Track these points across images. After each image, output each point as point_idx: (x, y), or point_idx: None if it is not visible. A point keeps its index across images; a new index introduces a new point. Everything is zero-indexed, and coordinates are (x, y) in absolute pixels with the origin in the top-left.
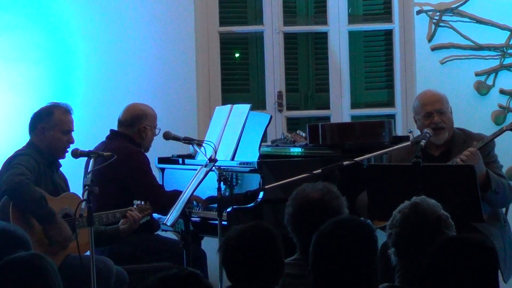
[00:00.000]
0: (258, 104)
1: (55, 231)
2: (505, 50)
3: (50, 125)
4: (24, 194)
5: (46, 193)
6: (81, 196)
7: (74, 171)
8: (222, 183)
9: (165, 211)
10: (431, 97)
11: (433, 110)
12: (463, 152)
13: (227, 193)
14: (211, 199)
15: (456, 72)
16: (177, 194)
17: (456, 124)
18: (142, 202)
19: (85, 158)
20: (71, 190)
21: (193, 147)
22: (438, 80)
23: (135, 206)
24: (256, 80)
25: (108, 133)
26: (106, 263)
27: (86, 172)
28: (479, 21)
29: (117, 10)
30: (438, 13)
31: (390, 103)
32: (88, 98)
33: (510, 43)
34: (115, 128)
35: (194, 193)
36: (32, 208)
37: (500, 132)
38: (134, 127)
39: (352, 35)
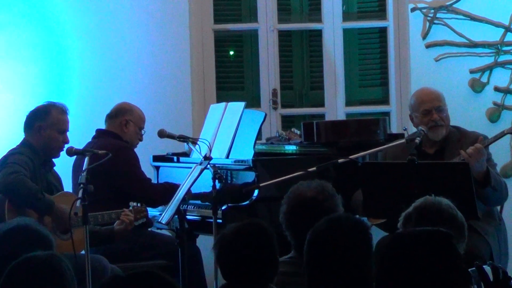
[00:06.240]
0: (253, 102)
1: (56, 218)
2: (499, 47)
3: (47, 124)
4: (20, 190)
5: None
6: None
7: (65, 170)
8: (217, 181)
9: (155, 205)
10: (430, 95)
11: (432, 107)
12: (469, 147)
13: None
14: (202, 196)
15: (451, 70)
16: (167, 186)
17: (451, 122)
18: (138, 204)
19: (73, 159)
20: (64, 189)
21: (188, 145)
22: (433, 77)
23: (131, 208)
24: (250, 78)
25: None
26: (100, 261)
27: (75, 171)
28: (474, 18)
29: (111, 8)
30: (432, 11)
31: (385, 100)
32: (82, 96)
33: (505, 40)
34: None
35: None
36: (31, 202)
37: (502, 135)
38: (117, 119)
39: (346, 32)
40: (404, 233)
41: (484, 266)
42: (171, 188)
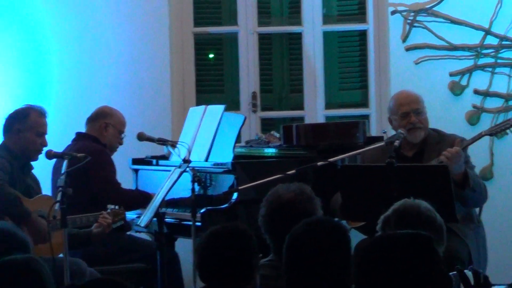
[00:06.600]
0: (233, 104)
1: (32, 229)
2: (479, 50)
3: (26, 127)
4: None
5: (20, 194)
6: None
7: (45, 173)
8: (196, 184)
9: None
10: (408, 97)
11: (410, 110)
12: (447, 149)
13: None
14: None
15: (431, 72)
16: (138, 193)
17: (430, 124)
18: (116, 207)
19: (52, 162)
20: (43, 193)
21: (167, 148)
22: (413, 80)
23: (109, 211)
24: (230, 81)
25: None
26: (79, 265)
27: (55, 174)
28: (453, 21)
29: (91, 11)
30: (412, 14)
31: (364, 103)
32: (61, 99)
33: (484, 43)
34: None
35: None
36: (7, 209)
37: (479, 136)
38: (96, 123)
39: (326, 35)
40: (383, 236)
41: (465, 271)
42: (142, 195)
